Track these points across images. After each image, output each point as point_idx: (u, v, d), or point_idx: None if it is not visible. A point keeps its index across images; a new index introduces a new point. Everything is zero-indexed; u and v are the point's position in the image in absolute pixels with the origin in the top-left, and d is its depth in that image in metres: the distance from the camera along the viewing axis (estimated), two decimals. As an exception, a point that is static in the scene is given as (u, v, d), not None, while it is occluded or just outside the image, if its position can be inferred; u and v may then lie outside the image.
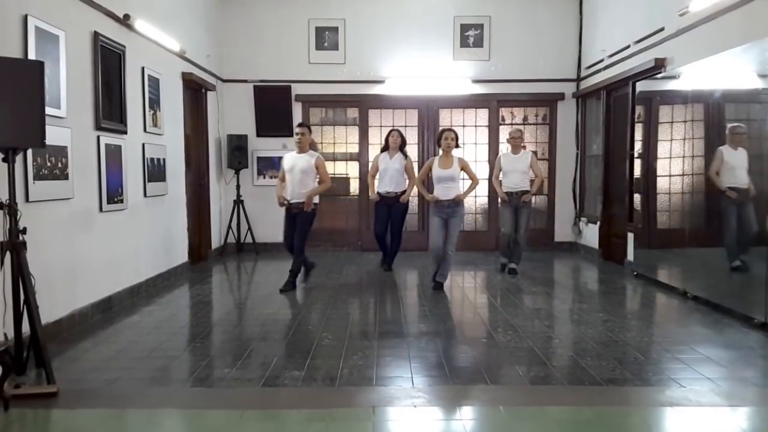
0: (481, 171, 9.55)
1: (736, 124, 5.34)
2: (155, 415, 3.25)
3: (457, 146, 6.50)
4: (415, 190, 7.73)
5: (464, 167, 6.48)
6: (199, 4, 8.36)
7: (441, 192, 6.34)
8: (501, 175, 7.38)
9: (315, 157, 6.46)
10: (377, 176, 7.59)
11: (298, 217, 6.39)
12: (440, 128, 6.60)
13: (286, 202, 6.42)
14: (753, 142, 5.26)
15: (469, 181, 6.66)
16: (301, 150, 6.43)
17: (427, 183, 7.06)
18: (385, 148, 7.59)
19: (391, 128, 7.99)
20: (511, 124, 9.60)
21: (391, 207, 7.47)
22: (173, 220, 7.26)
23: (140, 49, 6.25)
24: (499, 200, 7.51)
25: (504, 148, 9.57)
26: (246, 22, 9.25)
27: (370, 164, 8.39)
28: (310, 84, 9.28)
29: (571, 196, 9.52)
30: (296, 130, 6.55)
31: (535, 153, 8.36)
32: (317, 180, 6.51)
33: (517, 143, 7.37)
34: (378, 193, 7.51)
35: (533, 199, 7.88)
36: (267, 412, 3.26)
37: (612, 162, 8.28)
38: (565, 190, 9.54)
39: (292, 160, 6.45)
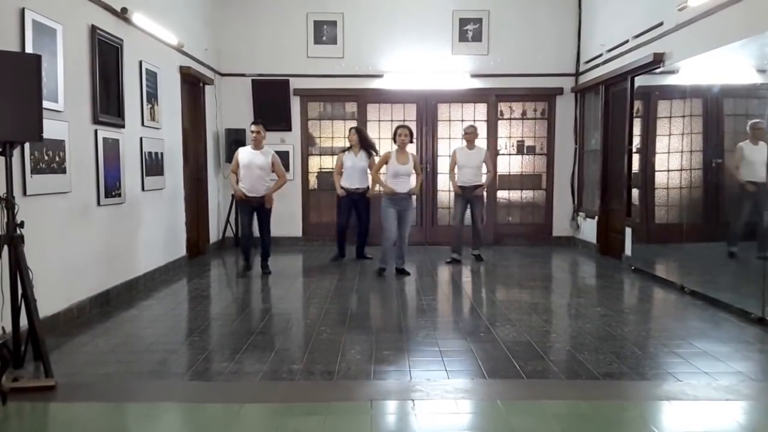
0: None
1: (756, 120, 5.23)
2: (153, 408, 3.25)
3: (411, 142, 7.01)
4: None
5: (415, 163, 6.98)
6: (197, -2, 8.34)
7: (397, 185, 6.78)
8: (456, 169, 7.79)
9: (271, 154, 6.90)
10: (343, 174, 7.87)
11: (260, 211, 6.87)
12: (399, 125, 7.09)
13: (244, 197, 6.78)
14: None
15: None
16: (257, 146, 6.81)
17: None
18: (347, 148, 7.98)
19: (352, 127, 8.32)
20: (510, 118, 9.61)
21: (357, 202, 7.86)
22: (171, 214, 7.26)
23: (138, 43, 6.23)
24: (453, 193, 7.99)
25: (503, 143, 9.62)
26: (244, 16, 9.22)
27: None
28: (309, 78, 9.26)
29: (570, 191, 9.52)
30: (252, 128, 6.85)
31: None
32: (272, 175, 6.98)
33: (470, 138, 7.81)
34: (344, 188, 7.82)
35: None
36: (265, 406, 3.26)
37: (610, 157, 8.28)
38: (563, 184, 9.55)
39: (249, 156, 6.79)
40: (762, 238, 4.97)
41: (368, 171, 7.79)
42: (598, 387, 3.56)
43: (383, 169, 6.94)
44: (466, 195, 7.74)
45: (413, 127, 9.44)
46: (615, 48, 7.89)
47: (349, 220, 7.96)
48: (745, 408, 3.28)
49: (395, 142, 6.91)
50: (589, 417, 3.13)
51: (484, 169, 7.88)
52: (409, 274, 6.90)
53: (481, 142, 9.51)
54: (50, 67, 4.57)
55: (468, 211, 7.86)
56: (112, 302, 5.56)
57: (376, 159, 7.57)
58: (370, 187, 7.89)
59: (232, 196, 8.97)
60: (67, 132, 4.86)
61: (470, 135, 7.83)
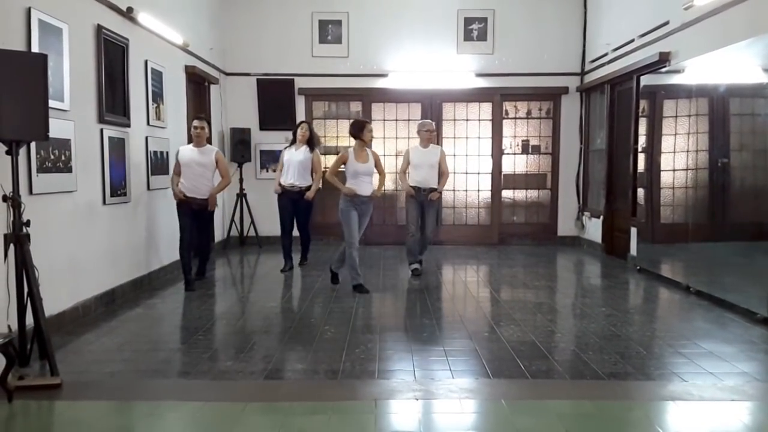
0: (484, 166, 9.58)
1: None
2: (158, 406, 3.26)
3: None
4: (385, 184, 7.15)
5: (376, 161, 6.26)
6: (203, -3, 8.36)
7: (358, 186, 6.04)
8: (409, 169, 6.99)
9: (214, 152, 6.32)
10: (282, 170, 7.16)
11: (201, 215, 6.25)
12: (360, 119, 6.45)
13: (184, 198, 6.12)
14: (758, 137, 5.24)
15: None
16: (199, 144, 6.23)
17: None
18: (293, 142, 7.22)
19: (301, 121, 7.75)
20: (515, 118, 9.59)
21: (296, 202, 7.10)
22: (176, 213, 7.24)
23: (143, 42, 6.24)
24: (406, 195, 7.05)
25: (508, 143, 9.61)
26: (249, 15, 9.23)
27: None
28: (314, 77, 9.27)
29: (575, 191, 9.50)
30: (195, 123, 6.25)
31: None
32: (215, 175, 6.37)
33: (429, 137, 7.01)
34: (281, 185, 7.11)
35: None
36: (269, 405, 3.27)
37: (615, 156, 8.26)
38: (568, 184, 9.53)
39: (189, 154, 6.20)
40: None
41: (308, 167, 7.09)
42: (603, 387, 3.55)
43: (341, 169, 6.26)
44: (419, 197, 6.85)
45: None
46: (620, 47, 7.86)
47: (293, 222, 7.24)
48: (751, 408, 3.27)
49: (361, 138, 6.11)
50: (593, 417, 3.13)
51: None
52: (368, 291, 5.99)
53: (486, 141, 9.54)
54: (56, 67, 4.59)
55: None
56: (117, 301, 5.57)
57: (335, 156, 6.82)
58: (311, 186, 7.12)
59: (237, 195, 9.01)
60: (73, 131, 4.87)
61: (429, 133, 7.02)
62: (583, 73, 9.28)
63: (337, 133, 9.62)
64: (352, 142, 9.64)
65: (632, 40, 7.53)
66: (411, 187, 6.88)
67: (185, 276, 6.19)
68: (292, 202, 7.10)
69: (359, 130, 6.14)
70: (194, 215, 6.18)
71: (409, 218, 6.96)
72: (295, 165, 7.05)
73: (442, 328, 4.78)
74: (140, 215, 6.21)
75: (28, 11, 4.30)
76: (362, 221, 6.15)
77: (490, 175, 9.59)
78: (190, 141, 7.69)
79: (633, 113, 7.49)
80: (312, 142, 7.21)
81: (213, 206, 6.33)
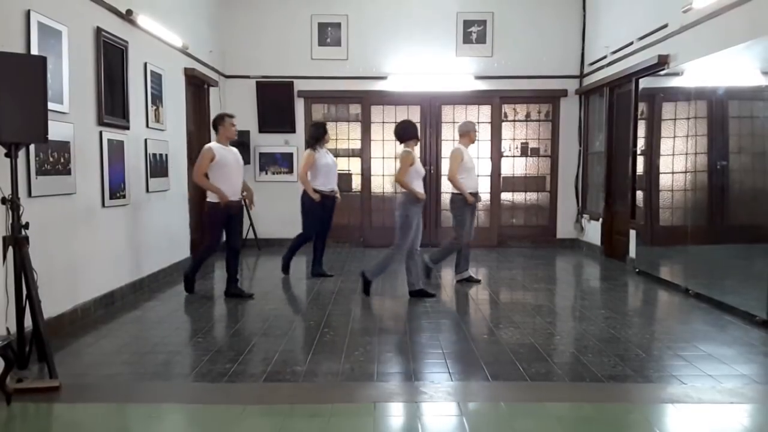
0: (483, 169, 9.57)
1: None
2: (157, 409, 3.26)
3: None
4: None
5: None
6: (202, 0, 8.35)
7: (422, 190, 5.81)
8: (462, 173, 6.41)
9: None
10: (318, 174, 6.77)
11: (236, 218, 5.97)
12: (408, 120, 6.19)
13: (229, 202, 5.70)
14: (756, 140, 5.25)
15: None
16: (227, 143, 5.88)
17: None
18: (313, 143, 6.87)
19: (321, 122, 7.53)
20: (514, 120, 9.60)
21: (325, 207, 6.85)
22: (175, 215, 7.26)
23: (143, 45, 6.25)
24: (461, 202, 6.44)
25: (506, 145, 9.61)
26: (248, 18, 9.24)
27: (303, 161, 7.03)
28: (313, 80, 9.28)
29: (574, 193, 9.51)
30: (233, 120, 5.87)
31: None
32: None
33: (474, 138, 6.70)
34: (319, 192, 6.75)
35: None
36: (268, 407, 3.27)
37: (615, 159, 8.27)
38: (567, 186, 9.54)
39: (229, 154, 5.79)
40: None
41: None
42: (602, 390, 3.55)
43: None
44: (473, 204, 6.50)
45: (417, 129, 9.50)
46: (619, 50, 7.88)
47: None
48: (750, 411, 3.27)
49: (417, 138, 5.91)
50: (592, 420, 3.13)
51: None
52: (368, 295, 5.96)
53: (485, 144, 9.54)
54: (55, 69, 4.59)
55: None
56: (116, 303, 5.57)
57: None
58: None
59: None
60: (72, 133, 4.88)
61: (475, 133, 6.73)
62: (582, 76, 9.30)
63: (336, 136, 9.61)
64: (353, 144, 9.71)
65: (631, 43, 7.55)
66: (471, 194, 6.38)
67: (191, 277, 6.07)
68: (322, 208, 6.81)
69: (415, 130, 5.88)
70: (230, 219, 5.82)
71: (468, 227, 6.53)
72: (335, 170, 6.95)
73: (441, 330, 4.78)
74: (139, 218, 6.21)
75: (28, 13, 4.30)
76: (420, 223, 5.89)
77: (489, 178, 9.59)
78: (190, 143, 7.75)
79: (632, 116, 7.50)
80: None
81: (253, 203, 6.28)
